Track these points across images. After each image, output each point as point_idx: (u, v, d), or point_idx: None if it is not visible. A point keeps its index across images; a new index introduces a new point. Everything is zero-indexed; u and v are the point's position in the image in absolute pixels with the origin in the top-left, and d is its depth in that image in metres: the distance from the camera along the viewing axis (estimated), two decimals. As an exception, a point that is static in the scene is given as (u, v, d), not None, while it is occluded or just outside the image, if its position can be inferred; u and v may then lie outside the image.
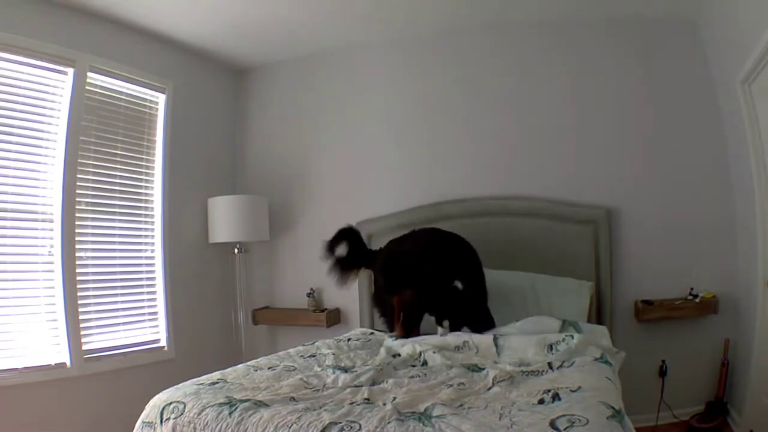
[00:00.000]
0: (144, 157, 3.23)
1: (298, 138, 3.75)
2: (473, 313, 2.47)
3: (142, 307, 3.16)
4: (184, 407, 1.59)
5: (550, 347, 2.10)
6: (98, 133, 2.95)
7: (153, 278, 3.24)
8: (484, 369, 1.96)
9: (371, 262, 2.83)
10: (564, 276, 2.84)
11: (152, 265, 3.25)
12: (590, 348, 2.08)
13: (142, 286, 3.18)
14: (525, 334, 2.28)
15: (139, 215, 3.21)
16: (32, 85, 2.64)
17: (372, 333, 2.84)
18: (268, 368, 2.07)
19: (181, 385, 1.80)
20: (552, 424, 1.29)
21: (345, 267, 2.83)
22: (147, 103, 3.26)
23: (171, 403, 1.63)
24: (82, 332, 2.78)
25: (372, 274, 2.92)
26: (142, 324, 3.15)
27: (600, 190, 3.07)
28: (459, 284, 2.47)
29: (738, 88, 2.55)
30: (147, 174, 3.25)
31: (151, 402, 1.70)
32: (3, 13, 2.50)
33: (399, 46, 3.50)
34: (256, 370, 2.04)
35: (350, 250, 2.85)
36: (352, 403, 1.57)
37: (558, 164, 3.16)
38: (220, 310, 3.67)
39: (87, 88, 2.86)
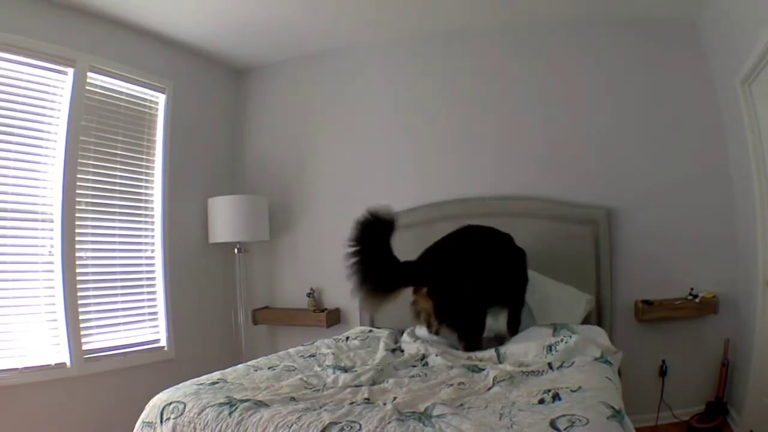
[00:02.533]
0: (144, 157, 3.23)
1: (298, 138, 3.75)
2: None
3: (142, 307, 3.16)
4: (184, 407, 1.59)
5: (550, 348, 2.10)
6: (98, 133, 2.95)
7: (153, 278, 3.24)
8: (484, 369, 1.97)
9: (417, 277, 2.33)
10: (565, 276, 2.82)
11: (152, 265, 3.25)
12: (590, 347, 2.08)
13: (142, 286, 3.18)
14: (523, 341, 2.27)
15: (139, 215, 3.21)
16: (32, 85, 2.64)
17: (370, 331, 2.84)
18: (268, 368, 2.08)
19: (181, 385, 1.80)
20: (552, 424, 1.29)
21: (379, 286, 2.19)
22: (147, 103, 3.26)
23: (171, 403, 1.63)
24: (82, 332, 2.77)
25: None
26: (142, 324, 3.14)
27: (600, 190, 3.07)
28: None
29: (738, 88, 2.55)
30: (147, 174, 3.25)
31: (151, 402, 1.70)
32: (3, 13, 2.50)
33: (399, 46, 3.49)
34: (256, 370, 2.04)
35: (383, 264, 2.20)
36: (352, 403, 1.57)
37: (558, 164, 3.16)
38: (220, 310, 3.67)
39: (87, 88, 2.86)
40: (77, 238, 2.80)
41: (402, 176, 3.46)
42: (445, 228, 3.12)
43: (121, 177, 3.09)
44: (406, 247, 3.25)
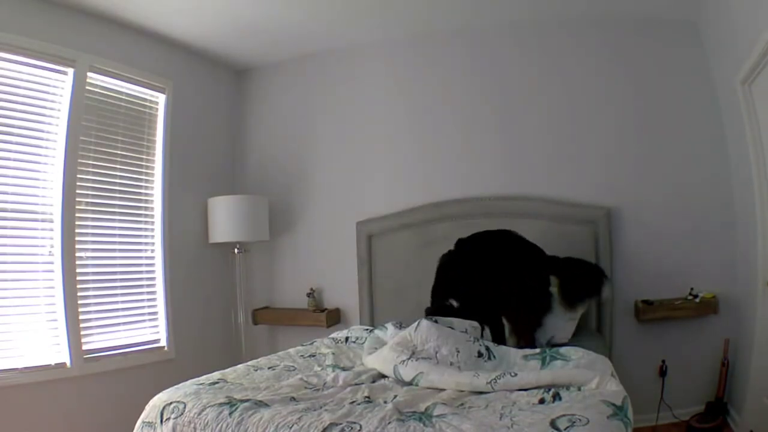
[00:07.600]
0: (144, 157, 3.23)
1: (298, 138, 3.75)
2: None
3: (142, 307, 3.16)
4: (184, 407, 1.59)
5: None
6: (98, 133, 2.94)
7: (153, 278, 3.24)
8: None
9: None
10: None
11: (152, 265, 3.25)
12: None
13: (142, 286, 3.18)
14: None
15: (139, 215, 3.21)
16: (32, 85, 2.64)
17: (371, 330, 2.84)
18: (268, 368, 2.08)
19: (181, 385, 1.80)
20: (552, 424, 1.29)
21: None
22: (147, 103, 3.26)
23: (171, 403, 1.63)
24: (82, 332, 2.77)
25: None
26: (142, 324, 3.14)
27: (600, 190, 3.07)
28: None
29: (738, 88, 2.55)
30: (147, 174, 3.24)
31: (151, 402, 1.70)
32: (3, 13, 2.50)
33: (399, 45, 3.49)
34: (256, 370, 2.04)
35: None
36: (352, 403, 1.58)
37: (558, 164, 3.16)
38: (220, 310, 3.67)
39: (87, 88, 2.86)
40: (77, 238, 2.80)
41: (402, 176, 3.46)
42: (445, 228, 3.14)
43: (121, 177, 3.08)
44: (406, 247, 3.27)
